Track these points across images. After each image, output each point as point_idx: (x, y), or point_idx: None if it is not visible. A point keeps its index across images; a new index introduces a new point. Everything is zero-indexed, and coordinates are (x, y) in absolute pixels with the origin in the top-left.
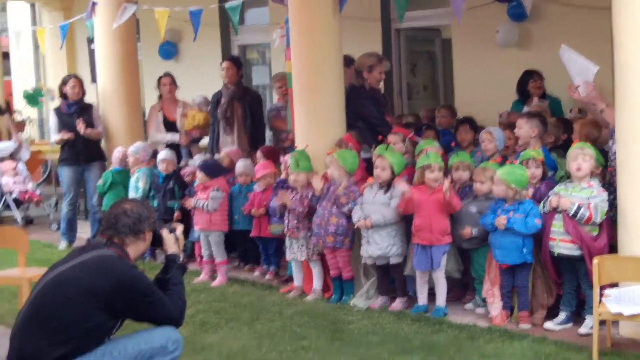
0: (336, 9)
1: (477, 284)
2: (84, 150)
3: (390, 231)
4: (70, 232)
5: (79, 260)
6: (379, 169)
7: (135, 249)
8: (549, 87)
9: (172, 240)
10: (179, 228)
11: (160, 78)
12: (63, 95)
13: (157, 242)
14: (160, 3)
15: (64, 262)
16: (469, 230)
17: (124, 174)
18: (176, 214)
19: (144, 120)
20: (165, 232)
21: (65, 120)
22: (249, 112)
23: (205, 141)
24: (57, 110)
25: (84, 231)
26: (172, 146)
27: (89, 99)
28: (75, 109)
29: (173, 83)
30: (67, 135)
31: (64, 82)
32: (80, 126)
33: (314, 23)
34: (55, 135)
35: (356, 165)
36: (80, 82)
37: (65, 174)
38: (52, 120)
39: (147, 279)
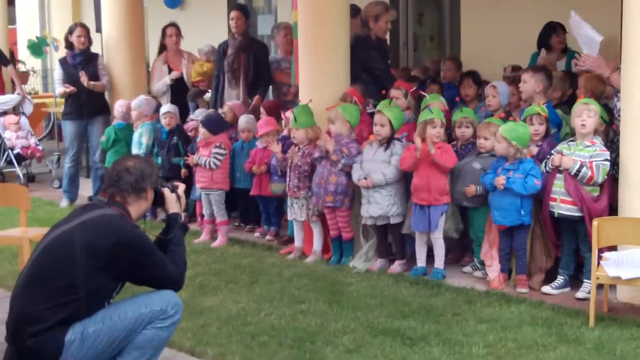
0: None
1: (476, 246)
2: (87, 104)
3: (390, 190)
4: (72, 189)
5: (81, 220)
6: (378, 125)
7: (137, 207)
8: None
9: (173, 200)
10: (181, 187)
11: (165, 28)
12: (69, 45)
13: (158, 201)
14: None
15: (66, 221)
16: (473, 188)
17: (126, 130)
18: (183, 171)
19: (148, 71)
20: (167, 191)
21: (70, 71)
22: (254, 64)
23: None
24: (63, 61)
25: (86, 188)
26: (179, 100)
27: (94, 49)
28: (81, 60)
29: (179, 34)
30: (70, 89)
31: (70, 31)
32: (84, 79)
33: None
34: (59, 88)
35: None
36: (86, 31)
37: (68, 128)
38: (57, 72)
39: (148, 239)
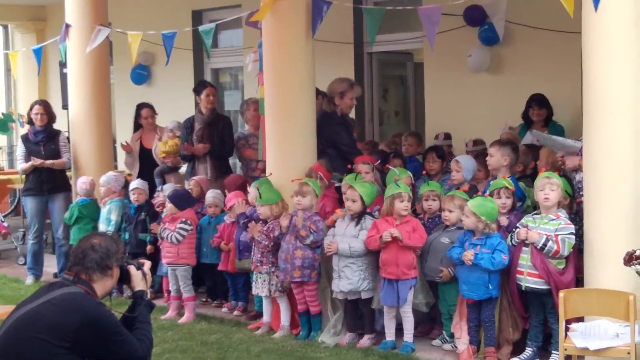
0: (309, 33)
1: (446, 319)
2: (47, 180)
3: (361, 265)
4: (37, 266)
5: (46, 299)
6: (350, 200)
7: (102, 285)
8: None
9: (139, 277)
10: (147, 264)
11: (140, 110)
12: (30, 122)
13: (124, 278)
14: (134, 26)
15: (31, 300)
16: (446, 272)
17: (91, 206)
18: (148, 248)
19: (114, 147)
20: (132, 269)
21: (32, 148)
22: (219, 139)
23: (184, 169)
24: (25, 138)
25: (52, 265)
26: (148, 175)
27: (59, 125)
28: (42, 137)
29: (153, 114)
30: (38, 162)
31: (31, 108)
32: (40, 162)
33: (287, 47)
34: (21, 164)
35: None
36: (45, 108)
37: (29, 204)
38: (19, 148)
39: (114, 317)
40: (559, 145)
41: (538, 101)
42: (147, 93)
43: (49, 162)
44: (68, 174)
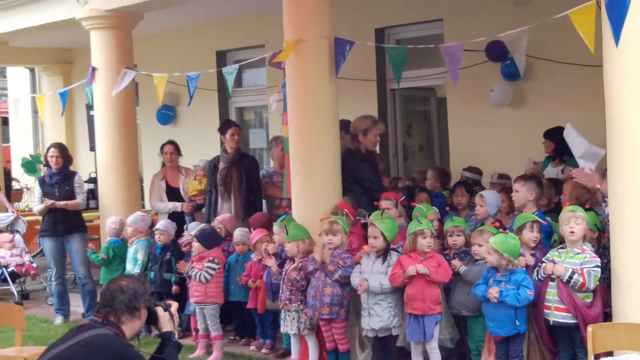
0: (332, 73)
1: (474, 355)
2: (62, 221)
3: (390, 302)
4: (63, 306)
5: (76, 340)
6: (372, 237)
7: (130, 326)
8: (537, 143)
9: (167, 318)
10: (174, 305)
11: (163, 146)
12: (47, 164)
13: (152, 319)
14: (159, 67)
15: (61, 342)
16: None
17: (122, 247)
18: (174, 288)
19: (142, 186)
20: (160, 310)
21: (47, 190)
22: (245, 178)
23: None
24: (41, 180)
25: (79, 304)
26: (175, 214)
27: (87, 167)
28: (57, 179)
29: (175, 151)
30: (49, 202)
31: (47, 151)
32: (47, 201)
33: (311, 87)
34: (37, 206)
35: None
36: (61, 151)
37: (46, 246)
38: (36, 191)
39: (142, 358)
40: (582, 149)
41: (548, 134)
42: (173, 133)
43: (61, 202)
44: (87, 214)
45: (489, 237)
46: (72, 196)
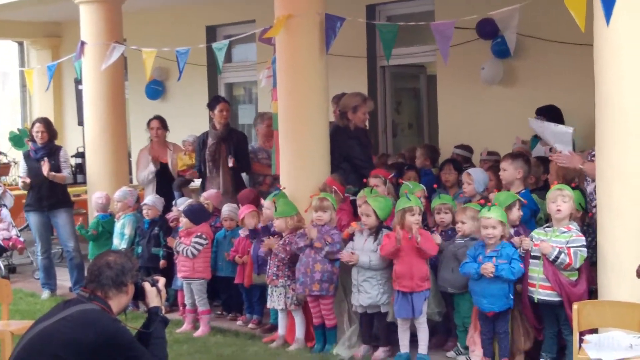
0: (323, 49)
1: (460, 331)
2: (47, 196)
3: (380, 279)
4: (50, 280)
5: (62, 315)
6: (364, 215)
7: (117, 302)
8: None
9: (154, 294)
10: (161, 281)
11: (149, 121)
12: (32, 139)
13: (139, 295)
14: (149, 42)
15: (48, 317)
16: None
17: (111, 222)
18: (162, 262)
19: (129, 161)
20: (147, 285)
21: (32, 165)
22: (234, 154)
23: (197, 183)
24: (26, 155)
25: (65, 278)
26: (164, 189)
27: (75, 141)
28: (42, 154)
29: (162, 127)
30: (27, 180)
31: (32, 126)
32: (45, 167)
33: (301, 63)
34: (20, 183)
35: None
36: (46, 126)
37: (32, 220)
38: (21, 165)
39: (129, 333)
40: (552, 133)
41: (541, 111)
42: (162, 108)
43: (51, 173)
44: (74, 189)
45: (473, 214)
46: (58, 170)
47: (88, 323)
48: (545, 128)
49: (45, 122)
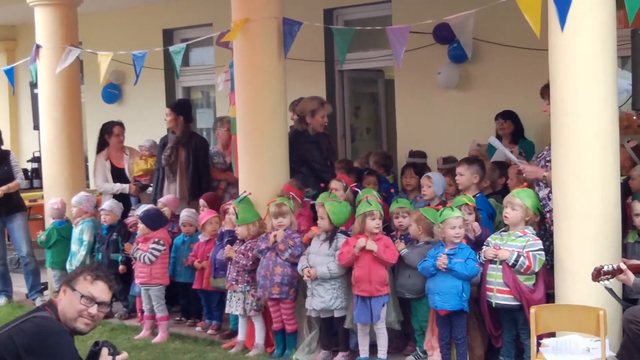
0: (281, 53)
1: (419, 335)
2: (3, 202)
3: (334, 284)
4: (6, 287)
5: (15, 323)
6: (320, 218)
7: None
8: (483, 126)
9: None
10: (122, 356)
11: (111, 127)
12: None
13: (92, 358)
14: (105, 44)
15: (6, 325)
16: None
17: (67, 228)
18: (120, 268)
19: (86, 166)
20: (104, 351)
21: None
22: (192, 159)
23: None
24: None
25: (22, 284)
26: (121, 194)
27: (31, 146)
28: None
29: (123, 133)
30: None
31: None
32: None
33: (259, 67)
34: None
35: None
36: None
37: None
38: None
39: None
40: (504, 156)
41: (504, 115)
42: (119, 112)
43: (4, 187)
44: (30, 194)
45: (416, 216)
46: (10, 176)
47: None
48: (500, 150)
49: None
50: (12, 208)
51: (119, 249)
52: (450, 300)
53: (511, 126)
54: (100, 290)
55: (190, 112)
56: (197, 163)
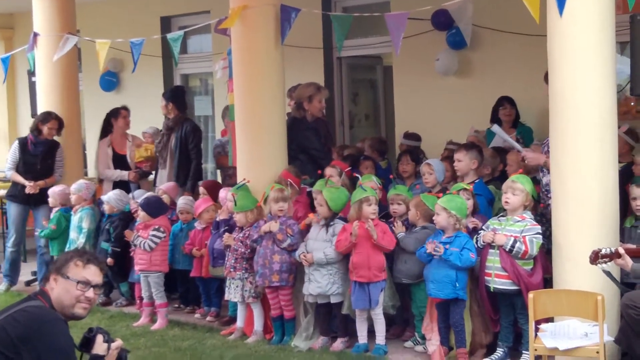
0: (278, 40)
1: (417, 321)
2: (35, 193)
3: (330, 269)
4: (13, 273)
5: (9, 312)
6: (318, 205)
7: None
8: (482, 112)
9: (103, 347)
10: (117, 343)
11: (120, 111)
12: (37, 131)
13: (86, 345)
14: (103, 32)
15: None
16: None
17: (69, 215)
18: (109, 260)
19: (84, 154)
20: (99, 338)
21: (27, 159)
22: (180, 145)
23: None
24: (22, 144)
25: (25, 273)
26: (122, 181)
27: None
28: (42, 151)
29: (129, 115)
30: (35, 189)
31: (43, 120)
32: (30, 188)
33: (257, 54)
34: (10, 169)
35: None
36: (59, 124)
37: (12, 211)
38: (13, 152)
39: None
40: (502, 142)
41: (509, 100)
42: (117, 99)
43: (40, 183)
44: None
45: (416, 201)
46: (50, 170)
47: (25, 316)
48: (502, 137)
49: (59, 118)
50: (42, 198)
51: (110, 239)
52: (443, 288)
53: (514, 113)
54: (93, 273)
55: (182, 99)
56: (185, 150)
